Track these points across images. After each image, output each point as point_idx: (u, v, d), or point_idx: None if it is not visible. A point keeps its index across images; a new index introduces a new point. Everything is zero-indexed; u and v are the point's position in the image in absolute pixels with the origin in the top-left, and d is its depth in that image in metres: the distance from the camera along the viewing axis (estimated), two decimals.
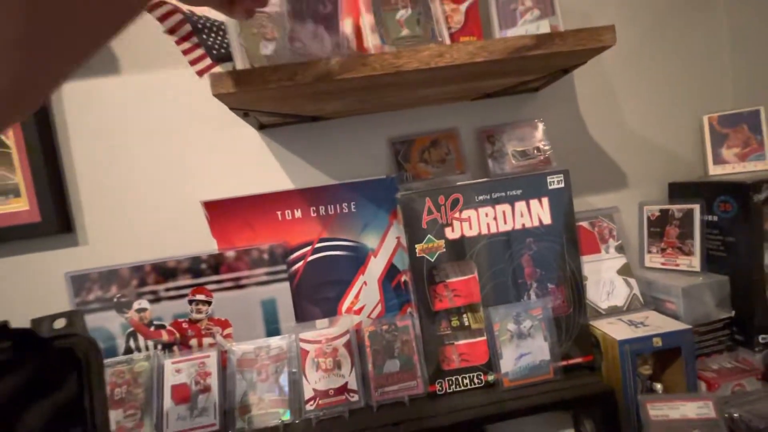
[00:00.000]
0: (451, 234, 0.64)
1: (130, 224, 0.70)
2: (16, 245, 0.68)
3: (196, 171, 0.71)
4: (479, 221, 0.65)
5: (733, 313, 0.68)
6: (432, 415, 0.61)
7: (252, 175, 0.71)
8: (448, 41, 0.59)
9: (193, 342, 0.70)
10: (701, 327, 0.67)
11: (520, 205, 0.65)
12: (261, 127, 0.71)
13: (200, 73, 0.67)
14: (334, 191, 0.72)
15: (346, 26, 0.54)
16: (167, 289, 0.70)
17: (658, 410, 0.60)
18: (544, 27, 0.63)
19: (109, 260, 0.69)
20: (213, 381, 0.65)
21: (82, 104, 0.69)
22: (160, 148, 0.70)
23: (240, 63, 0.55)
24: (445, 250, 0.64)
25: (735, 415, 0.59)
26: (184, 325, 0.70)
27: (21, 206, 0.67)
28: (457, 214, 0.64)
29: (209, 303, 0.71)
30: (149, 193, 0.70)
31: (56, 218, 0.67)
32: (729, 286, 0.68)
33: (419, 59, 0.51)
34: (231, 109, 0.57)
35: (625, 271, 0.73)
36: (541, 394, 0.62)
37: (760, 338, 0.66)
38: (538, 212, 0.66)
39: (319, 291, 0.73)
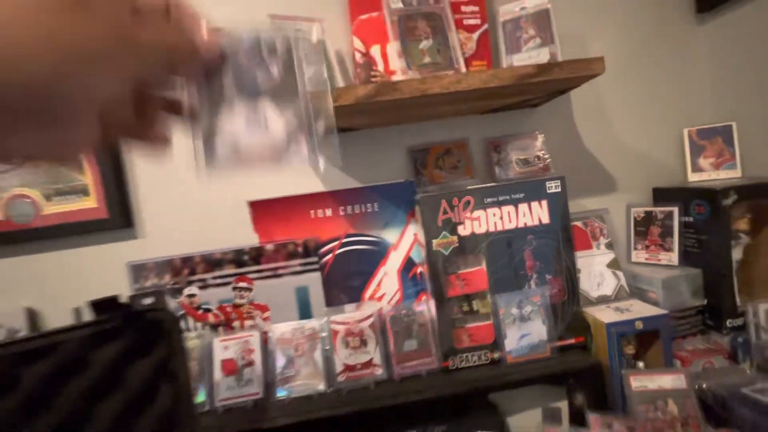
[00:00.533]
0: (463, 231, 0.75)
1: (183, 220, 0.80)
2: (86, 238, 0.78)
3: (240, 174, 0.81)
4: (487, 220, 0.75)
5: (705, 302, 0.78)
6: (446, 385, 0.72)
7: (289, 178, 0.82)
8: (463, 67, 0.69)
9: (236, 324, 0.80)
10: (677, 313, 0.77)
11: (523, 207, 0.76)
12: None
13: None
14: (360, 193, 0.82)
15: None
16: (214, 278, 0.80)
17: (639, 382, 0.71)
18: (544, 54, 0.73)
19: (164, 252, 0.79)
20: (256, 356, 0.75)
21: None
22: None
23: None
24: (457, 244, 0.75)
25: (704, 386, 0.69)
26: (228, 309, 0.80)
27: (90, 204, 0.77)
28: (468, 214, 0.74)
29: (250, 290, 0.81)
30: (199, 193, 0.80)
31: (119, 215, 0.77)
32: (702, 278, 0.78)
33: (441, 85, 0.61)
34: None
35: (613, 265, 0.84)
36: (539, 369, 0.73)
37: (728, 323, 0.76)
38: (538, 213, 0.76)
39: (345, 280, 0.83)
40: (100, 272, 0.79)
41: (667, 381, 0.70)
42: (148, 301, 0.55)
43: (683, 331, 0.78)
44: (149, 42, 0.22)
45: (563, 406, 0.80)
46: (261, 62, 0.29)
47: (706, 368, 0.75)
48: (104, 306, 0.50)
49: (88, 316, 0.52)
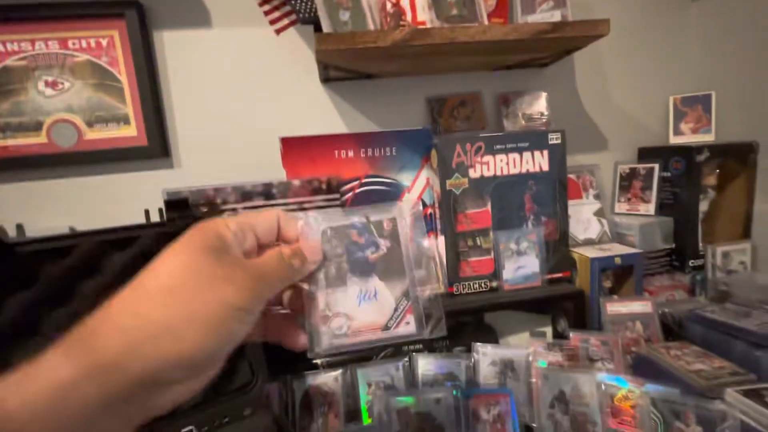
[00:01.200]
0: (474, 174, 0.84)
1: (217, 153, 0.87)
2: (125, 165, 0.84)
3: (272, 113, 0.87)
4: (495, 165, 0.84)
5: (673, 245, 0.91)
6: (450, 306, 0.83)
7: (316, 119, 0.88)
8: (486, 21, 0.76)
9: None
10: (650, 254, 0.90)
11: (526, 155, 0.85)
12: (325, 80, 0.87)
13: (278, 32, 0.83)
14: (380, 137, 0.90)
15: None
16: (244, 208, 0.87)
17: (614, 308, 0.84)
18: (556, 16, 0.81)
19: (198, 181, 0.85)
20: None
21: (180, 50, 0.83)
22: (243, 91, 0.86)
23: (325, 26, 0.72)
24: (467, 186, 0.84)
25: (666, 310, 0.83)
26: None
27: (130, 132, 0.82)
28: (479, 158, 0.83)
29: None
30: (233, 128, 0.86)
31: (158, 144, 0.83)
32: (673, 225, 0.91)
33: (468, 34, 0.68)
34: (318, 61, 0.73)
35: (599, 213, 0.95)
36: (530, 294, 0.85)
37: (690, 263, 0.89)
38: (540, 161, 0.86)
39: None
40: (138, 198, 0.85)
41: (637, 307, 0.83)
42: (205, 210, 0.62)
43: (653, 269, 0.92)
44: (276, 281, 0.27)
45: (548, 330, 0.93)
46: (371, 242, 0.32)
47: (669, 299, 0.89)
48: (175, 204, 0.57)
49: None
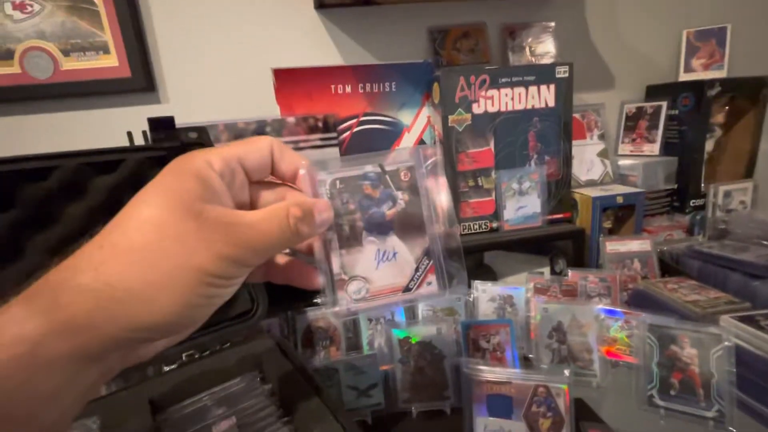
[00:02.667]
0: (477, 109, 0.80)
1: (206, 86, 0.82)
2: (108, 99, 0.78)
3: (263, 42, 0.82)
4: (500, 100, 0.81)
5: (675, 186, 0.90)
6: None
7: (310, 50, 0.83)
8: None
9: None
10: (651, 194, 0.89)
11: (532, 90, 0.81)
12: (320, 6, 0.81)
13: None
14: (379, 70, 0.85)
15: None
16: None
17: (613, 246, 0.84)
18: None
19: (187, 118, 0.81)
20: None
21: None
22: (231, 16, 0.79)
23: None
24: (470, 122, 0.81)
25: (664, 249, 0.83)
26: None
27: (111, 62, 0.76)
28: (483, 93, 0.80)
29: None
30: (222, 60, 0.81)
31: (142, 75, 0.78)
32: (676, 165, 0.89)
33: None
34: None
35: (602, 154, 0.93)
36: (530, 233, 0.84)
37: (691, 203, 0.89)
38: (546, 96, 0.82)
39: None
40: (123, 136, 0.81)
41: (635, 245, 0.83)
42: (193, 135, 0.59)
43: (653, 210, 0.91)
44: (269, 249, 0.23)
45: (546, 271, 0.94)
46: (387, 195, 0.28)
47: (667, 239, 0.89)
48: (160, 124, 0.54)
49: None
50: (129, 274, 0.19)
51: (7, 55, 0.72)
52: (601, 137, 0.93)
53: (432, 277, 0.28)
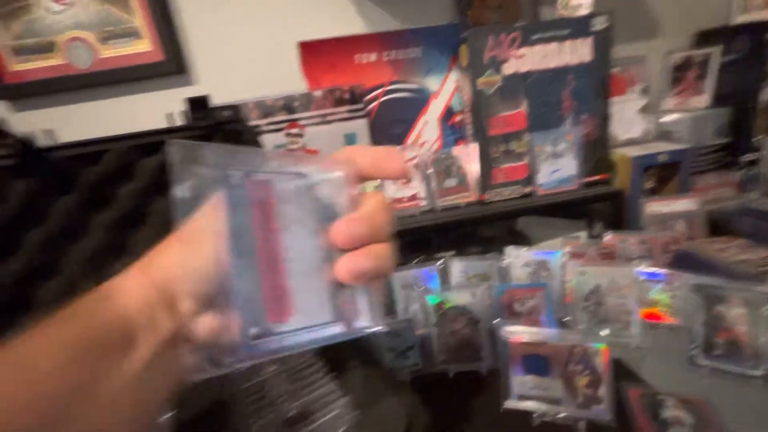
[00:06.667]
0: (507, 70, 0.77)
1: (235, 65, 0.83)
2: (144, 84, 0.82)
3: (287, 17, 0.81)
4: (532, 59, 0.77)
5: (726, 140, 0.84)
6: (481, 212, 0.82)
7: (333, 21, 0.82)
8: None
9: None
10: (699, 149, 0.84)
11: (567, 45, 0.77)
12: None
13: None
14: (404, 36, 0.83)
15: None
16: (268, 124, 0.86)
17: (654, 208, 0.80)
18: None
19: (218, 98, 0.83)
20: None
21: None
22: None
23: None
24: (501, 84, 0.78)
25: (712, 208, 0.79)
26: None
27: (144, 47, 0.79)
28: (514, 51, 0.76)
29: (302, 136, 0.87)
30: (248, 38, 0.82)
31: (173, 58, 0.80)
32: (727, 117, 0.83)
33: None
34: None
35: (644, 110, 0.88)
36: (566, 197, 0.82)
37: (743, 158, 0.83)
38: (582, 51, 0.78)
39: (389, 128, 0.89)
40: (159, 118, 0.85)
41: (680, 205, 0.79)
42: (227, 113, 0.61)
43: (699, 167, 0.86)
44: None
45: (582, 236, 0.92)
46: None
47: (716, 197, 0.84)
48: (197, 104, 0.56)
49: None
50: (182, 228, 0.23)
51: (49, 47, 0.76)
52: (643, 92, 0.87)
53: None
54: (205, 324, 0.22)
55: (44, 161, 0.49)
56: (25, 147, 0.47)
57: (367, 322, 0.24)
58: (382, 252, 0.24)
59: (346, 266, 0.23)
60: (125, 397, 0.21)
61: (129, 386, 0.21)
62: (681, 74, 0.87)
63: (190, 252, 0.22)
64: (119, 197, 0.53)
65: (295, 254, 0.23)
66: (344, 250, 0.23)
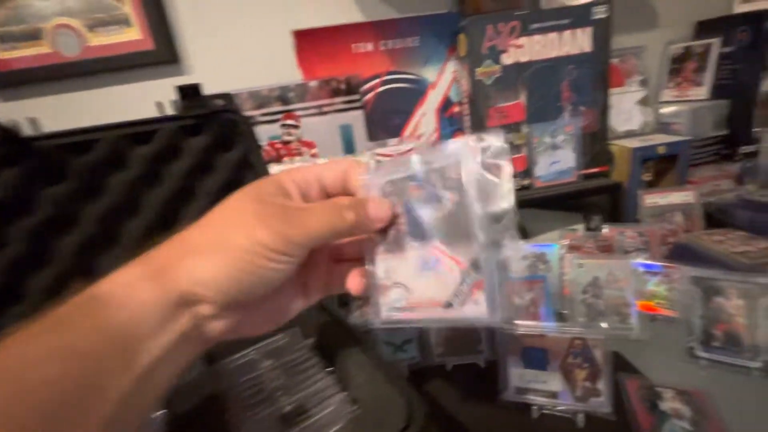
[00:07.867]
0: (506, 60, 0.76)
1: (228, 54, 0.81)
2: (134, 73, 0.80)
3: (282, 5, 0.79)
4: (531, 49, 0.76)
5: (724, 132, 0.84)
6: None
7: (329, 8, 0.80)
8: None
9: (286, 160, 0.87)
10: (697, 142, 0.83)
11: (567, 35, 0.76)
12: None
13: None
14: (400, 25, 0.81)
15: None
16: (262, 115, 0.84)
17: (652, 200, 0.80)
18: None
19: (211, 88, 0.81)
20: None
21: None
22: None
23: None
24: (500, 74, 0.77)
25: (710, 200, 0.78)
26: (278, 146, 0.86)
27: (134, 35, 0.77)
28: (513, 40, 0.75)
29: (298, 127, 0.85)
30: (243, 27, 0.80)
31: (165, 47, 0.78)
32: (726, 109, 0.82)
33: None
34: None
35: (643, 102, 0.87)
36: (564, 189, 0.82)
37: (741, 149, 0.83)
38: (581, 41, 0.76)
39: (386, 119, 0.87)
40: (150, 108, 0.83)
41: (677, 198, 0.79)
42: (219, 102, 0.59)
43: (698, 159, 0.85)
44: (321, 232, 0.24)
45: (580, 228, 0.91)
46: (432, 196, 0.24)
47: (714, 189, 0.84)
48: (188, 92, 0.54)
49: None
50: (199, 237, 0.24)
51: (36, 35, 0.74)
52: (642, 84, 0.86)
53: (480, 296, 0.23)
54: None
55: (30, 150, 0.47)
56: (8, 135, 0.45)
57: (482, 312, 0.23)
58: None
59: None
60: (124, 402, 0.21)
61: (129, 392, 0.21)
62: (680, 65, 0.86)
63: (217, 262, 0.23)
64: (110, 187, 0.51)
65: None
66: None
